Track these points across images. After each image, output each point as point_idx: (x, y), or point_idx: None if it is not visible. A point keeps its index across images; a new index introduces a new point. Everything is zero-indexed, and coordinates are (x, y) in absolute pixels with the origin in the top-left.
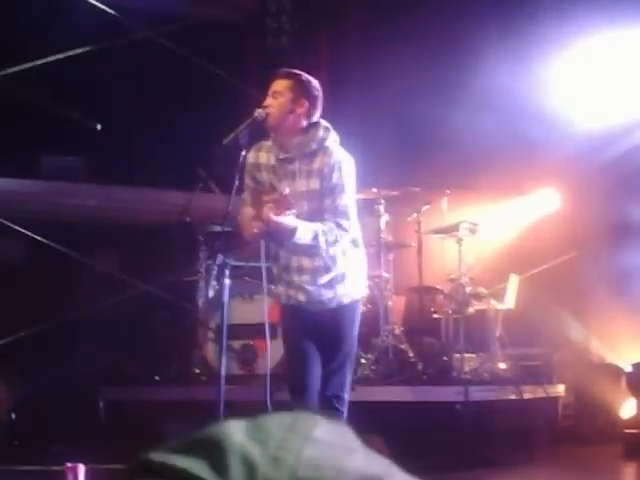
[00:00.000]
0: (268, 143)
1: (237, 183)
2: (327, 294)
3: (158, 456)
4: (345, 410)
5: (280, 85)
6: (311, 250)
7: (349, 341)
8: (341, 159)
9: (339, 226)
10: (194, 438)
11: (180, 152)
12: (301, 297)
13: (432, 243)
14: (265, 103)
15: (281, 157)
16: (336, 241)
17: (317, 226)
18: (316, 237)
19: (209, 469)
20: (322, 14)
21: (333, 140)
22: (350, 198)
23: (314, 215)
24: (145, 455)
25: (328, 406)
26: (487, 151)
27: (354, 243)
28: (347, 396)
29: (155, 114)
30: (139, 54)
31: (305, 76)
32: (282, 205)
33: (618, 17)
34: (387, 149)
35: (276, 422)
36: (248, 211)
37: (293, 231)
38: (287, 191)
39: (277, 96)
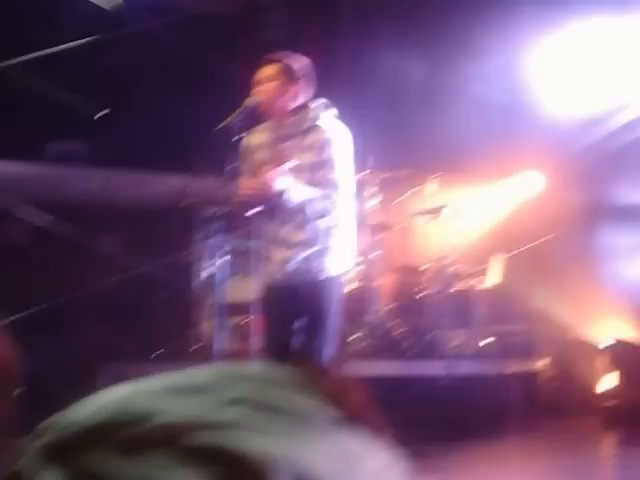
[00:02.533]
0: (262, 126)
1: (230, 167)
2: (309, 267)
3: None
4: None
5: (267, 72)
6: (300, 215)
7: (330, 319)
8: (333, 135)
9: (329, 197)
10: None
11: (177, 138)
12: (283, 270)
13: (419, 224)
14: (253, 92)
15: (275, 135)
16: (324, 211)
17: (308, 191)
18: (305, 200)
19: None
20: (314, 7)
21: (330, 116)
22: (342, 173)
23: None
24: None
25: None
26: (473, 135)
27: (343, 219)
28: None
29: (154, 102)
30: (139, 44)
31: (291, 58)
32: (277, 159)
33: (597, 4)
34: (376, 134)
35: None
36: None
37: (284, 190)
38: (281, 145)
39: (265, 82)
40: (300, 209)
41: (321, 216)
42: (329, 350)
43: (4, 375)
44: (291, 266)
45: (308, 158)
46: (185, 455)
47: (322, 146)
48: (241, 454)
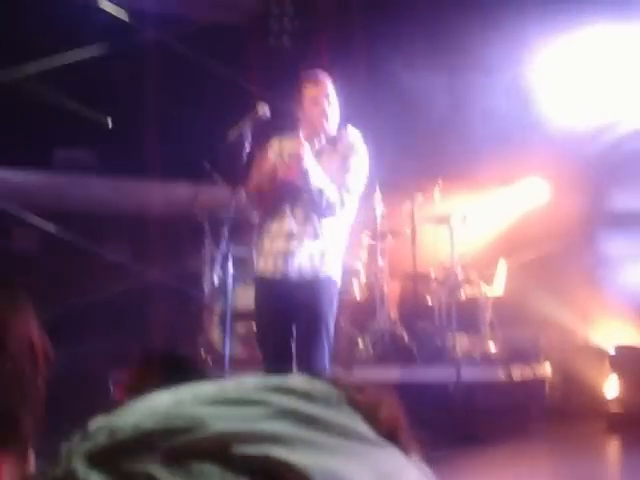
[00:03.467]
0: (293, 134)
1: (240, 175)
2: (309, 262)
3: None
4: None
5: (329, 88)
6: (314, 200)
7: (327, 323)
8: (358, 142)
9: (340, 195)
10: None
11: (187, 146)
12: (281, 263)
13: (425, 231)
14: (321, 105)
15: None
16: (334, 206)
17: (328, 180)
18: (326, 184)
19: None
20: (323, 15)
21: (354, 129)
22: (356, 180)
23: None
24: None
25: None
26: (478, 142)
27: (345, 225)
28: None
29: (163, 111)
30: (148, 55)
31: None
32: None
33: (602, 14)
34: (383, 142)
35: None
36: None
37: (309, 169)
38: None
39: (331, 99)
40: (314, 198)
41: (329, 213)
42: (326, 353)
43: (36, 361)
44: (293, 261)
45: (336, 163)
46: (232, 466)
47: (346, 152)
48: (287, 466)
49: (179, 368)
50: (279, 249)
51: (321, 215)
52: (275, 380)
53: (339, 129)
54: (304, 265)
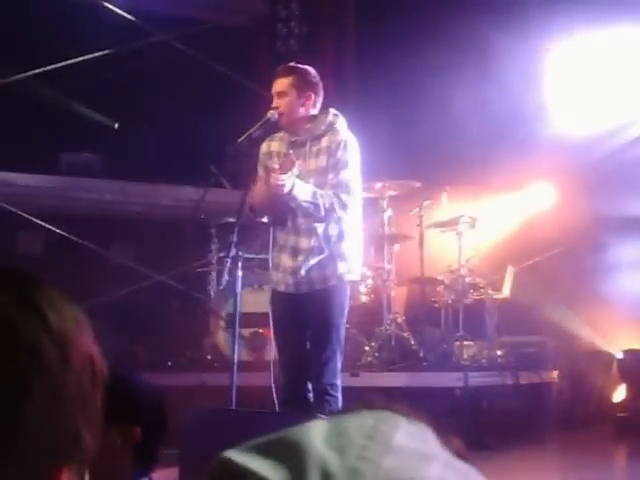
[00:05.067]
0: (279, 134)
1: (250, 180)
2: (316, 274)
3: (240, 458)
4: (339, 395)
5: (283, 84)
6: (309, 221)
7: (338, 328)
8: (347, 138)
9: (338, 197)
10: (275, 440)
11: (193, 149)
12: (291, 279)
13: (433, 236)
14: (274, 105)
15: (292, 140)
16: (333, 210)
17: (316, 188)
18: (315, 195)
19: (288, 476)
20: (330, 18)
21: (341, 123)
22: (352, 175)
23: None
24: (227, 455)
25: (323, 394)
26: (484, 147)
27: (352, 224)
28: (339, 382)
29: (169, 114)
30: (155, 58)
31: (303, 68)
32: (286, 165)
33: (611, 16)
34: (389, 147)
35: (357, 426)
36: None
37: (291, 188)
38: (290, 152)
39: (283, 95)
40: (311, 210)
41: (330, 217)
42: (337, 360)
43: (95, 377)
44: (302, 273)
45: (323, 160)
46: None
47: (337, 148)
48: None
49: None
50: (287, 264)
51: (323, 222)
52: (384, 419)
53: (322, 120)
54: (314, 277)
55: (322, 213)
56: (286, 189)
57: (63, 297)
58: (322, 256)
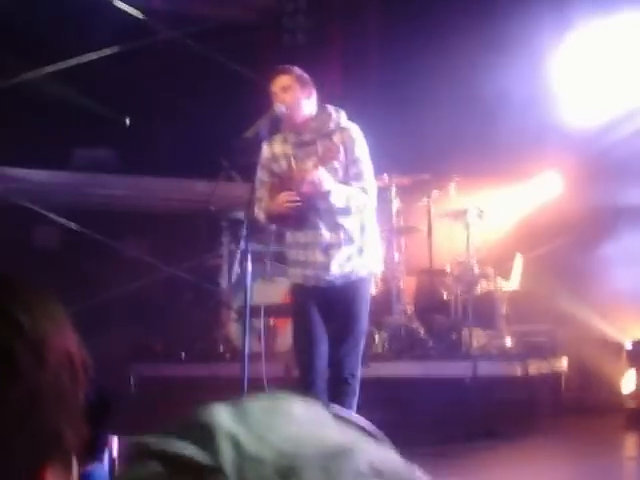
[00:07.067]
0: (279, 135)
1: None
2: (345, 268)
3: (156, 441)
4: (357, 385)
5: (286, 80)
6: (335, 216)
7: (362, 321)
8: (356, 131)
9: (364, 191)
10: (186, 423)
11: (203, 144)
12: (319, 274)
13: (441, 227)
14: (280, 100)
15: (299, 141)
16: (363, 205)
17: (348, 189)
18: (348, 199)
19: (202, 451)
20: (336, 12)
21: (344, 117)
22: (370, 167)
23: None
24: (144, 440)
25: (343, 383)
26: (492, 138)
27: (373, 216)
28: (359, 373)
29: (180, 109)
30: (165, 53)
31: (297, 68)
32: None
33: (619, 4)
34: (398, 139)
35: (257, 405)
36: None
37: (329, 191)
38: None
39: (287, 90)
40: (345, 205)
41: (361, 209)
42: (360, 350)
43: (75, 374)
44: (335, 269)
45: (339, 157)
46: None
47: (352, 143)
48: None
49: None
50: (319, 260)
51: (349, 215)
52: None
53: (327, 118)
54: (346, 271)
55: (353, 211)
56: (326, 187)
57: (41, 297)
58: (351, 249)
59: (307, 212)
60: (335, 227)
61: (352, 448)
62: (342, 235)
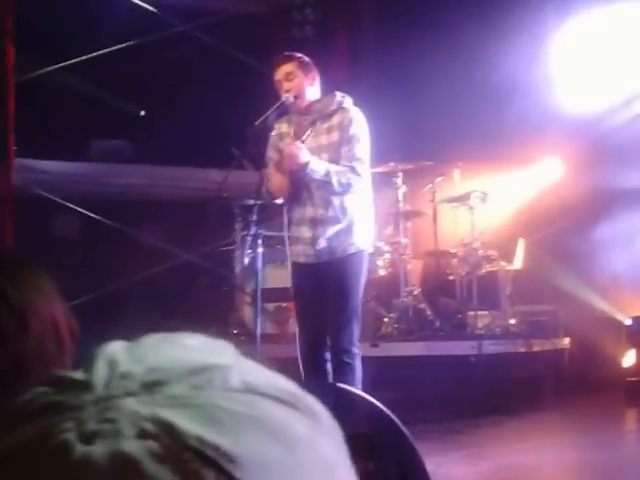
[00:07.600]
0: (286, 117)
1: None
2: (338, 243)
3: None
4: (356, 363)
5: (288, 68)
6: (325, 192)
7: (355, 295)
8: (357, 114)
9: (353, 170)
10: (87, 355)
11: (216, 134)
12: (311, 250)
13: (446, 211)
14: (286, 88)
15: (302, 121)
16: (349, 184)
17: (331, 165)
18: (328, 174)
19: (84, 373)
20: (344, 4)
21: (349, 102)
22: (365, 148)
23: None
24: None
25: (340, 360)
26: (495, 124)
27: (366, 194)
28: (357, 349)
29: (193, 100)
30: (177, 46)
31: (298, 54)
32: (301, 131)
33: None
34: (403, 126)
35: (154, 337)
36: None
37: (307, 163)
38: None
39: (292, 77)
40: (326, 184)
41: (346, 190)
42: (353, 325)
43: (61, 340)
44: (321, 243)
45: (336, 136)
46: None
47: (348, 124)
48: None
49: None
50: (306, 235)
51: (339, 195)
52: None
53: (330, 101)
54: (333, 246)
55: (337, 188)
56: (303, 158)
57: (28, 269)
58: (339, 226)
59: (298, 188)
60: (324, 204)
61: (227, 365)
62: (330, 212)
